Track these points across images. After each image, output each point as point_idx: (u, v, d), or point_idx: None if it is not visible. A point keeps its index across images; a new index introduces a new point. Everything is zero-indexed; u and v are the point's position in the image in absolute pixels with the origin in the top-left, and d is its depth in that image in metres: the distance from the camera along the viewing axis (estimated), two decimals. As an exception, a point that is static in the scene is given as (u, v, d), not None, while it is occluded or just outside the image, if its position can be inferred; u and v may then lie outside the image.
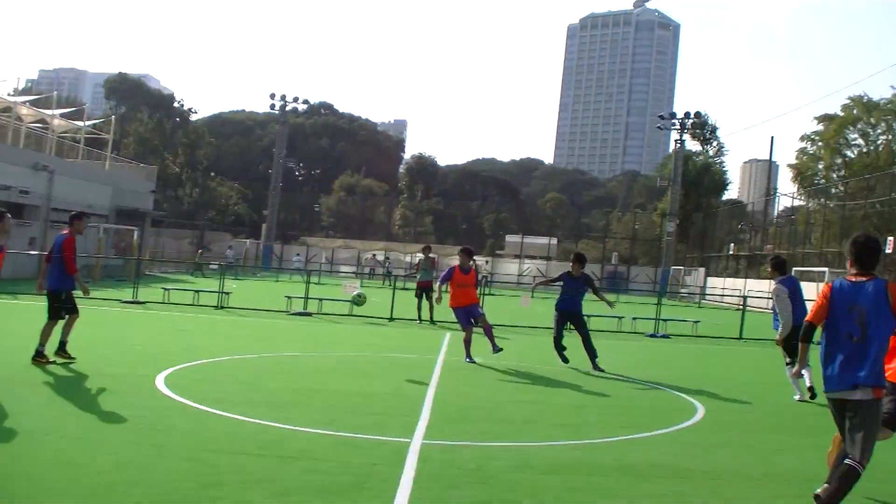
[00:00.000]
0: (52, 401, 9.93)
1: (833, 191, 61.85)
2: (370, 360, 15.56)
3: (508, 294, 43.76)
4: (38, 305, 14.91)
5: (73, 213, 13.54)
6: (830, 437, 7.15)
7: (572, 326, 16.11)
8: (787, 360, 13.31)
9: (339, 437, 8.59)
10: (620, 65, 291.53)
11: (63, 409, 9.41)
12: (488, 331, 15.82)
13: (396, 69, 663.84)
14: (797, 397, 13.05)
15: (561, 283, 16.40)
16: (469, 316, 15.89)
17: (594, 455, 8.57)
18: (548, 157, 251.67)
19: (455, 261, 17.63)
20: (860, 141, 68.26)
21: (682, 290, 63.77)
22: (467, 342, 15.81)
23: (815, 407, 12.42)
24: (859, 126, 67.21)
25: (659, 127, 74.33)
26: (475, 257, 18.11)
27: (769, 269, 15.27)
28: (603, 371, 15.17)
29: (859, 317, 6.27)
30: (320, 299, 25.40)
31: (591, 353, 15.68)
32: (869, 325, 6.24)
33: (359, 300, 18.08)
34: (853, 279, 6.47)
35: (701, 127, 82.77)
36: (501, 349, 15.60)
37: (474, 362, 15.33)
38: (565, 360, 15.76)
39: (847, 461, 6.14)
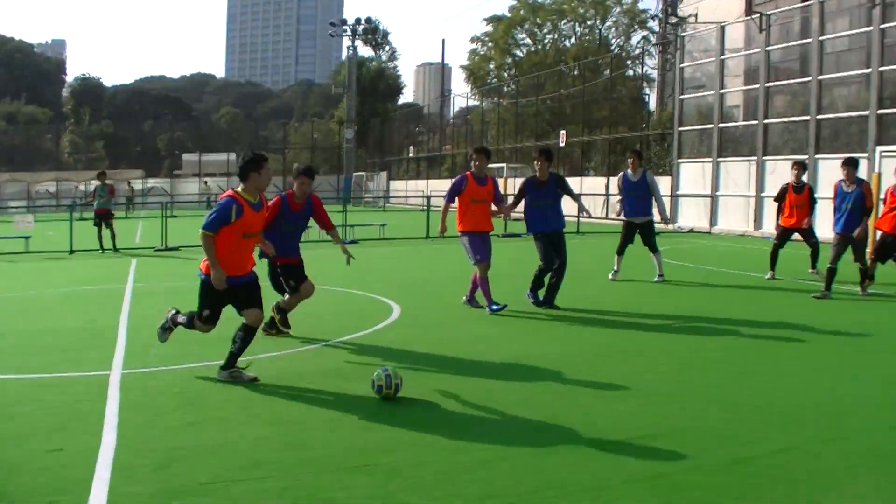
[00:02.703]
0: None
1: (505, 90, 64.24)
2: (57, 297, 14.21)
3: (191, 214, 42.08)
4: None
5: None
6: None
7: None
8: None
9: (34, 380, 7.98)
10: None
11: None
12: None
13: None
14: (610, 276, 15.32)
15: (525, 196, 12.52)
16: (487, 246, 11.92)
17: (297, 364, 8.68)
18: (219, 71, 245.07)
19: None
20: (528, 41, 71.43)
21: (367, 196, 64.51)
22: (483, 282, 11.82)
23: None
24: (527, 26, 70.18)
25: (331, 34, 73.76)
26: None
27: (631, 161, 15.24)
28: (558, 308, 12.25)
29: None
30: (-12, 238, 23.11)
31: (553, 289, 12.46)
32: None
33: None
34: None
35: (373, 32, 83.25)
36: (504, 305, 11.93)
37: (503, 307, 11.77)
38: (538, 302, 12.36)
39: None
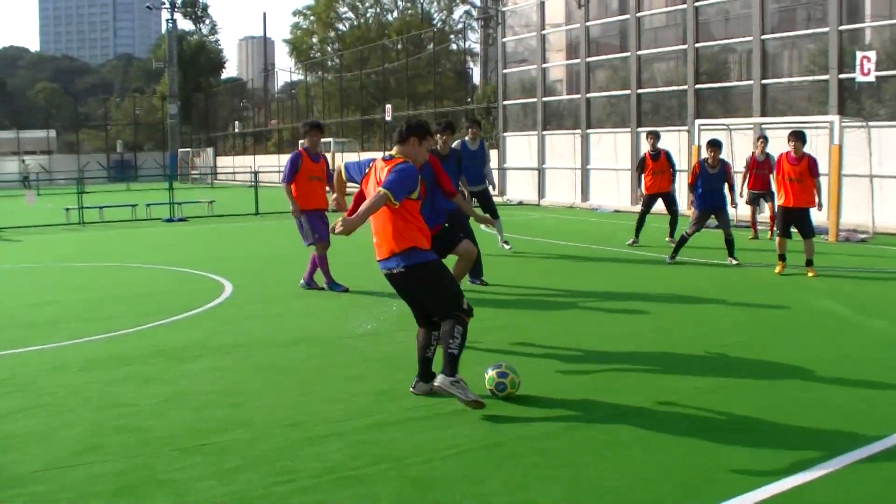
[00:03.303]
0: None
1: (329, 64, 62.85)
2: None
3: (14, 194, 39.84)
4: None
5: None
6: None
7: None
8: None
9: None
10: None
11: None
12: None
13: None
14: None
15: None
16: (326, 224, 11.18)
17: (128, 345, 8.41)
18: (33, 45, 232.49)
19: None
20: (350, 14, 70.06)
21: (194, 172, 62.32)
22: (322, 261, 11.38)
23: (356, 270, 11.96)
24: (348, 0, 68.76)
25: (148, 7, 70.42)
26: None
27: (472, 130, 14.55)
28: (486, 283, 11.99)
29: None
30: None
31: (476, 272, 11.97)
32: None
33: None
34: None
35: (192, 5, 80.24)
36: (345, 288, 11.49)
37: (345, 289, 11.35)
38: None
39: None
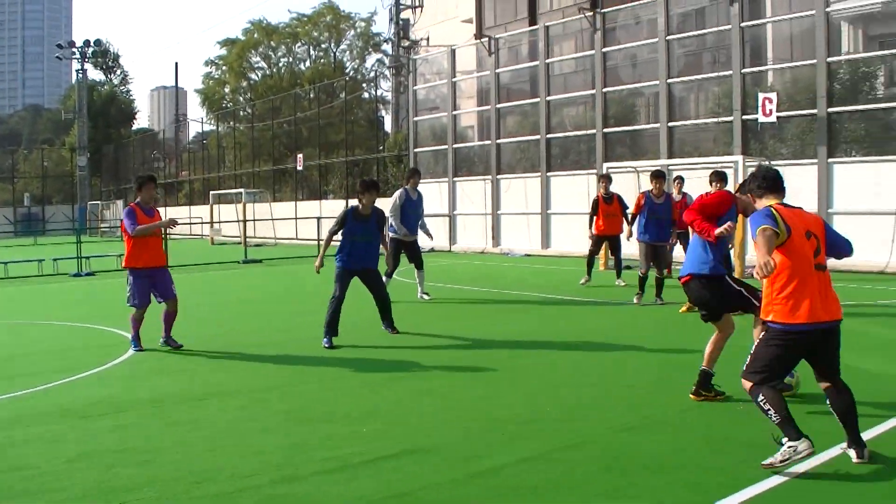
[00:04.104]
0: None
1: (242, 113, 61.87)
2: None
3: None
4: None
5: None
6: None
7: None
8: None
9: None
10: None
11: None
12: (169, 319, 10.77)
13: None
14: None
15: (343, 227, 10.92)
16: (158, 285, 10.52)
17: (32, 405, 7.85)
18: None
19: None
20: (263, 64, 69.23)
21: (104, 225, 60.53)
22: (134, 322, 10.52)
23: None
24: (261, 49, 68.02)
25: (58, 57, 68.59)
26: None
27: (413, 179, 15.07)
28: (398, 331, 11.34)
29: None
30: None
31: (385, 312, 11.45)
32: None
33: None
34: None
35: (103, 55, 78.77)
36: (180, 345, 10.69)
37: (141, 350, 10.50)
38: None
39: None
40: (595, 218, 16.42)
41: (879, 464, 5.47)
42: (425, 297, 15.07)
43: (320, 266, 10.95)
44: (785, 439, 5.32)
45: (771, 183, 5.82)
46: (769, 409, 5.43)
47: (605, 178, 16.73)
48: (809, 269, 5.46)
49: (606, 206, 16.34)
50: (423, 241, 15.60)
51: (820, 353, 5.61)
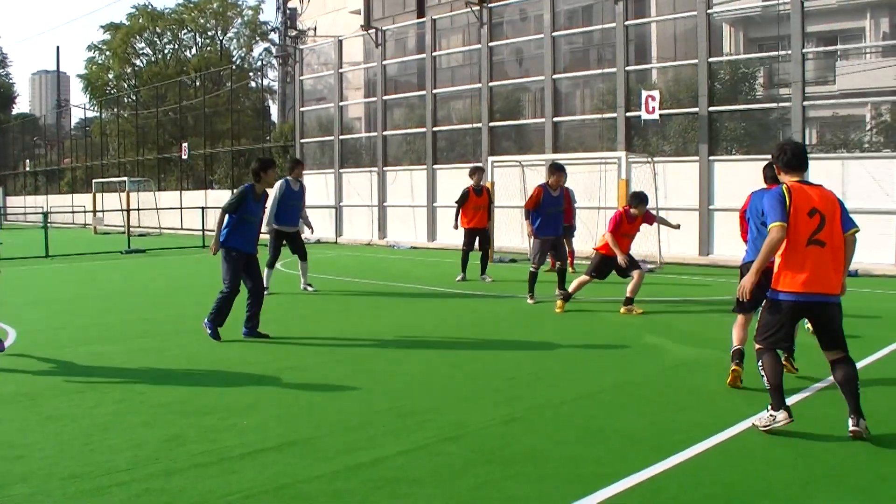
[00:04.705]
0: None
1: (126, 100, 59.66)
2: None
3: None
4: None
5: None
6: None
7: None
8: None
9: None
10: None
11: None
12: None
13: None
14: None
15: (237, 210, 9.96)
16: None
17: None
18: None
19: None
20: (148, 50, 66.80)
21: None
22: None
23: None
24: (146, 35, 65.62)
25: (-69, 37, 65.19)
26: None
27: (296, 170, 14.39)
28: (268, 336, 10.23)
29: None
30: None
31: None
32: None
33: None
34: None
35: (-20, 37, 75.14)
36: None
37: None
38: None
39: None
40: (462, 210, 15.91)
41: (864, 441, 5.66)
42: (309, 288, 14.55)
43: (217, 251, 9.91)
44: (770, 407, 5.84)
45: (792, 160, 6.09)
46: (763, 376, 5.97)
47: (479, 171, 16.17)
48: (803, 245, 5.80)
49: (477, 199, 15.87)
50: (307, 231, 15.07)
51: (816, 324, 5.98)
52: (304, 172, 15.04)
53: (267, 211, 13.48)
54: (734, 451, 5.58)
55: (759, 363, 6.01)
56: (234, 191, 10.42)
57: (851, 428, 5.68)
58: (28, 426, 6.35)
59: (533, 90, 24.91)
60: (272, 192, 14.06)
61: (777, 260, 5.92)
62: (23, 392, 7.41)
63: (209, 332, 9.84)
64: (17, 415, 6.71)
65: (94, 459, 5.51)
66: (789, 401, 6.13)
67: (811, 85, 19.35)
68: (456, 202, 16.17)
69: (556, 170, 12.81)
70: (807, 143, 18.99)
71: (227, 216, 9.91)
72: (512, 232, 22.34)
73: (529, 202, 12.83)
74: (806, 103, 18.80)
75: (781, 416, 5.74)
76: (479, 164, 17.30)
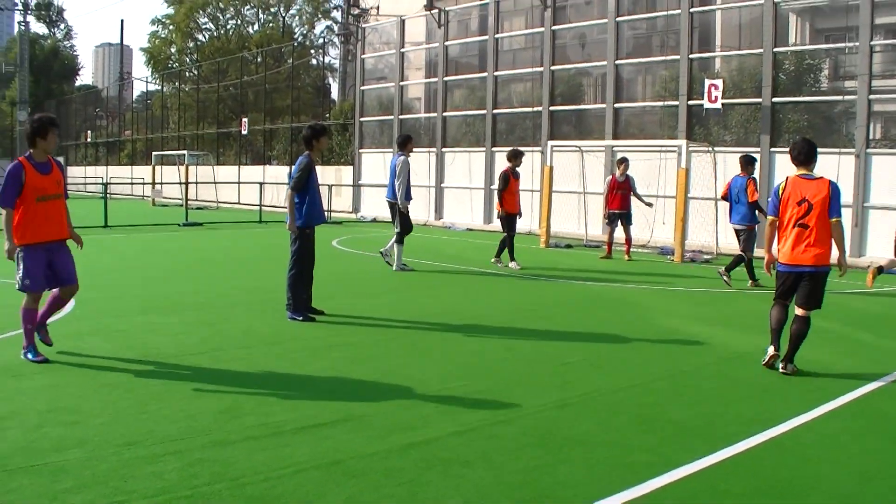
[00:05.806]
0: None
1: (187, 74, 60.44)
2: None
3: None
4: None
5: None
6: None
7: None
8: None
9: None
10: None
11: None
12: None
13: None
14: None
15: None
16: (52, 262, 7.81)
17: None
18: None
19: None
20: (210, 25, 67.56)
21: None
22: (28, 316, 7.53)
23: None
24: (209, 10, 66.30)
25: (0, 7, 66.49)
26: None
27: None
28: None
29: None
30: None
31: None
32: None
33: None
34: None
35: (46, 8, 76.65)
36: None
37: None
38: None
39: None
40: (504, 196, 15.66)
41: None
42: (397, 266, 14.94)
43: (297, 232, 9.78)
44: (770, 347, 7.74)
45: (800, 156, 7.71)
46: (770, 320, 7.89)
47: (520, 154, 15.98)
48: (790, 226, 7.54)
49: (515, 183, 15.64)
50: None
51: (796, 284, 7.65)
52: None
53: (400, 188, 13.71)
54: (787, 447, 5.61)
55: (770, 312, 7.91)
56: (294, 166, 10.11)
57: (781, 370, 7.56)
58: (84, 393, 6.49)
59: (594, 75, 24.93)
60: (401, 169, 14.29)
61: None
62: (79, 360, 7.57)
63: (300, 319, 9.70)
64: (73, 381, 6.84)
65: (149, 428, 5.64)
66: (847, 398, 6.80)
67: (878, 78, 19.15)
68: (497, 189, 15.90)
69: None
70: (871, 137, 18.84)
71: (296, 195, 9.76)
72: (569, 217, 22.44)
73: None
74: (872, 97, 18.64)
75: (770, 350, 7.72)
76: (520, 148, 17.04)
